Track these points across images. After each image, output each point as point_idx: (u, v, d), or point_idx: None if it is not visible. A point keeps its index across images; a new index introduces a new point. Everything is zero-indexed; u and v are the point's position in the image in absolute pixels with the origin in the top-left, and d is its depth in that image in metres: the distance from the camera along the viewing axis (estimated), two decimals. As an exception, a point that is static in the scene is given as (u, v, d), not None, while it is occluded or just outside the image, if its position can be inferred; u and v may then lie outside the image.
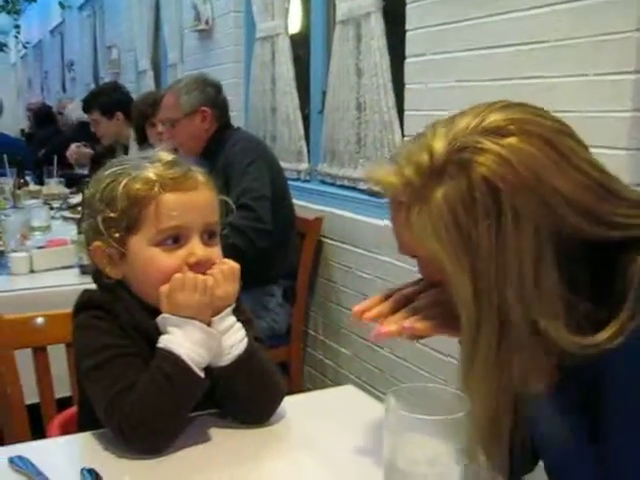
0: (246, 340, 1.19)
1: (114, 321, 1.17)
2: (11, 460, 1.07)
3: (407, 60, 2.58)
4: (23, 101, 13.13)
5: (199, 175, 1.21)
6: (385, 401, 0.92)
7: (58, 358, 1.66)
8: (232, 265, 1.19)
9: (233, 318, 1.19)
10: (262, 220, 2.72)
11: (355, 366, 3.04)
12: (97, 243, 1.20)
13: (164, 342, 1.13)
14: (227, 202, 1.25)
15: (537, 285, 0.84)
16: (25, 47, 13.01)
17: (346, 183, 3.18)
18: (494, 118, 0.88)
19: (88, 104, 4.36)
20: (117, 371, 1.13)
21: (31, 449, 1.14)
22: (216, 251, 1.20)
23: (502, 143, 0.86)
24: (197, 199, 1.18)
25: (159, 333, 1.14)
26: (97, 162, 4.55)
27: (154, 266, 1.16)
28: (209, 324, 1.14)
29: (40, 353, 1.63)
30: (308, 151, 3.54)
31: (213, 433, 1.18)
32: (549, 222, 0.84)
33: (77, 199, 3.95)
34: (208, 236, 1.20)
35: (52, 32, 11.29)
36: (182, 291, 1.13)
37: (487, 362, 0.87)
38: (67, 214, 3.61)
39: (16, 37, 12.97)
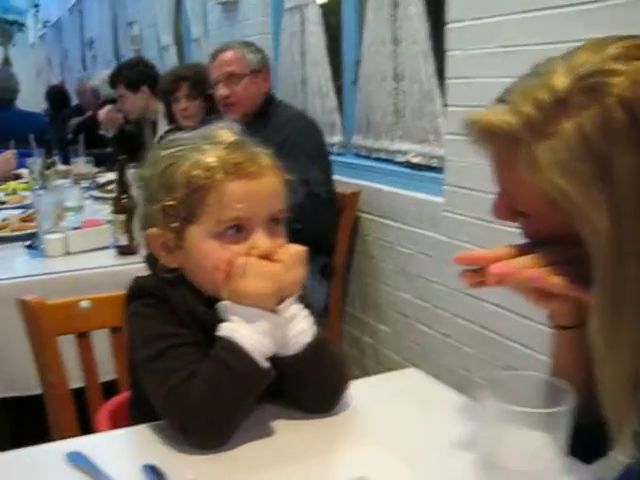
0: (313, 327, 1.12)
1: (169, 309, 1.10)
2: (68, 456, 1.01)
3: (448, 26, 2.47)
4: (43, 81, 13.10)
5: (264, 158, 1.11)
6: (479, 391, 0.84)
7: (100, 340, 1.60)
8: (300, 249, 1.10)
9: (299, 305, 1.11)
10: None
11: (394, 344, 2.97)
12: (152, 230, 1.12)
13: (225, 331, 1.05)
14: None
15: None
16: (45, 26, 12.94)
17: (382, 156, 3.09)
18: (616, 45, 0.83)
19: (114, 79, 4.28)
20: (175, 362, 1.05)
21: (87, 444, 1.07)
22: (281, 239, 1.11)
23: (635, 65, 0.80)
24: (262, 187, 1.08)
25: (217, 322, 1.07)
26: (123, 139, 4.54)
27: (211, 260, 1.07)
28: (274, 312, 1.06)
29: (84, 339, 1.57)
30: (341, 123, 3.45)
31: (278, 424, 1.11)
32: None
33: (106, 178, 3.89)
34: (273, 225, 1.11)
35: (71, 10, 11.21)
36: (245, 278, 1.05)
37: (637, 301, 0.79)
38: (97, 193, 3.54)
39: (35, 16, 12.91)
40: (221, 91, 2.99)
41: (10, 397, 2.15)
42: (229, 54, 3.01)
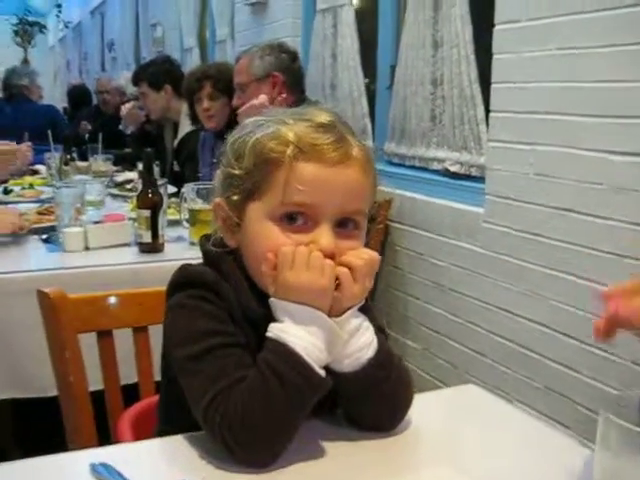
0: (376, 341, 0.98)
1: (220, 303, 0.96)
2: (93, 468, 0.88)
3: (496, 27, 2.35)
4: (61, 83, 13.08)
5: (354, 148, 0.96)
6: (600, 413, 0.70)
7: (122, 341, 1.47)
8: (373, 256, 0.96)
9: (361, 316, 0.97)
10: None
11: (424, 361, 2.82)
12: (217, 200, 1.00)
13: (275, 331, 0.92)
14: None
15: None
16: (67, 26, 12.92)
17: (417, 163, 2.96)
18: None
19: (137, 76, 4.17)
20: (221, 364, 0.92)
21: (114, 454, 0.94)
22: (351, 245, 0.96)
23: None
24: (339, 177, 0.94)
25: (269, 321, 0.94)
26: (142, 138, 4.42)
27: (265, 244, 0.94)
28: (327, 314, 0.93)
29: (106, 338, 1.44)
30: (373, 129, 3.32)
31: (331, 442, 0.97)
32: None
33: (124, 176, 3.78)
34: (345, 225, 0.96)
35: (92, 12, 11.18)
36: (291, 269, 0.91)
37: None
38: (115, 191, 3.44)
39: (57, 16, 12.91)
40: (233, 101, 2.94)
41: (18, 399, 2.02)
42: (240, 63, 2.94)
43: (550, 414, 2.20)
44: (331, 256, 0.93)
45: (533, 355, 2.28)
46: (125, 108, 4.59)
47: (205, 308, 0.95)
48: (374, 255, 0.96)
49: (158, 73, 4.07)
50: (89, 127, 5.73)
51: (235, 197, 0.97)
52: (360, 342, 0.96)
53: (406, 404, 1.02)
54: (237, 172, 0.96)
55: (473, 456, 0.96)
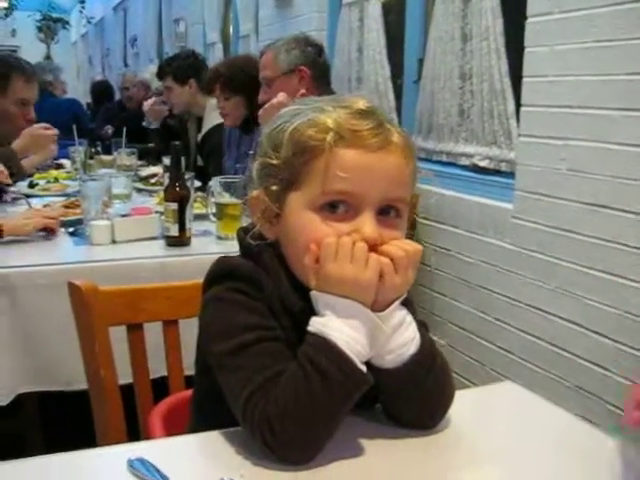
0: (418, 336, 0.95)
1: (259, 296, 0.94)
2: (131, 464, 0.86)
3: (529, 20, 2.31)
4: (83, 79, 13.14)
5: (394, 134, 0.94)
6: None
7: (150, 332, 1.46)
8: (416, 247, 0.93)
9: (404, 311, 0.95)
10: None
11: (450, 359, 2.76)
12: (255, 192, 0.97)
13: (316, 325, 0.90)
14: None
15: None
16: (89, 22, 12.97)
17: (444, 159, 2.93)
18: None
19: (162, 70, 4.16)
20: (260, 358, 0.90)
21: (150, 450, 0.92)
22: (394, 234, 0.93)
23: None
24: (381, 163, 0.91)
25: (309, 315, 0.91)
26: (165, 133, 4.42)
27: (306, 235, 0.92)
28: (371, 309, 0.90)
29: (136, 331, 1.43)
30: (399, 124, 3.28)
31: (370, 440, 0.95)
32: None
33: (148, 171, 3.77)
34: (387, 213, 0.93)
35: (115, 8, 11.21)
36: (335, 261, 0.89)
37: None
38: (140, 186, 3.43)
39: (80, 12, 12.96)
40: (259, 97, 2.89)
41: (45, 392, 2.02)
42: (265, 57, 2.89)
43: (581, 414, 2.16)
44: (375, 245, 0.90)
45: (564, 353, 2.24)
46: (147, 104, 4.58)
47: (243, 301, 0.93)
48: (417, 246, 0.93)
49: (183, 67, 4.06)
50: (110, 132, 5.72)
51: (274, 187, 0.95)
52: (403, 337, 0.93)
53: (447, 402, 0.99)
54: (275, 162, 0.94)
55: (514, 455, 0.94)
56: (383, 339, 0.91)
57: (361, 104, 0.94)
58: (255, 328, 0.92)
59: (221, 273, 0.97)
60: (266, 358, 0.90)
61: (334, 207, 0.92)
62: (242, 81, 3.18)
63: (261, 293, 0.94)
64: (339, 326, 0.89)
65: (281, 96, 2.61)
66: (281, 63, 2.79)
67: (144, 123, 4.67)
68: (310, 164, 0.92)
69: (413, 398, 0.96)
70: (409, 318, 0.95)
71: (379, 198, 0.92)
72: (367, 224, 0.91)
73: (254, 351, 0.90)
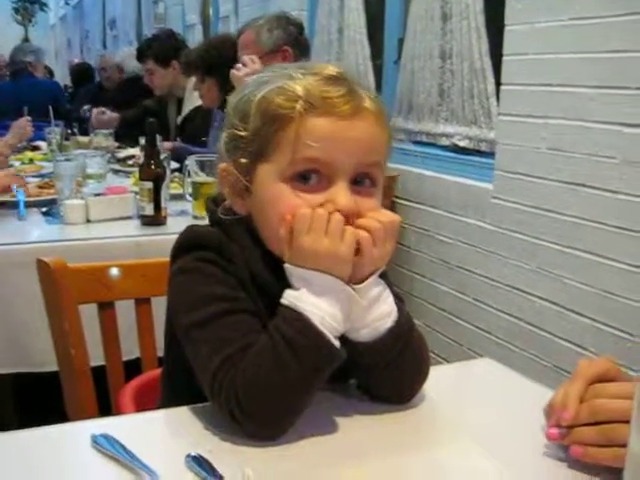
0: (395, 310, 0.93)
1: (228, 267, 0.91)
2: (95, 439, 0.83)
3: (509, -2, 2.29)
4: (62, 62, 13.00)
5: (366, 99, 0.90)
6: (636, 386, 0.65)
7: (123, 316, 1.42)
8: (394, 218, 0.90)
9: (382, 284, 0.92)
10: None
11: (429, 339, 2.75)
12: (223, 165, 0.94)
13: (290, 299, 0.87)
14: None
15: None
16: (67, 4, 12.81)
17: (424, 139, 2.91)
18: None
19: (142, 53, 4.11)
20: (229, 330, 0.87)
21: (116, 425, 0.90)
22: (370, 203, 0.90)
23: None
24: (353, 130, 0.88)
25: (284, 289, 0.88)
26: (144, 115, 4.34)
27: (278, 207, 0.88)
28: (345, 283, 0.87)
29: (107, 310, 1.40)
30: (379, 104, 3.26)
31: (344, 415, 0.92)
32: None
33: (125, 152, 3.72)
34: (361, 182, 0.90)
35: (94, -10, 11.09)
36: (309, 233, 0.86)
37: None
38: (117, 167, 3.38)
39: (58, -6, 12.81)
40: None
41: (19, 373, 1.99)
42: (244, 37, 2.84)
43: (559, 393, 2.16)
44: (351, 215, 0.87)
45: (542, 333, 2.24)
46: (93, 118, 4.46)
47: (212, 271, 0.90)
48: (394, 217, 0.91)
49: (165, 49, 4.01)
50: (88, 113, 5.63)
51: (243, 160, 0.91)
52: (380, 311, 0.91)
53: (423, 377, 0.97)
54: (243, 133, 0.91)
55: (490, 428, 0.92)
56: (359, 312, 0.89)
57: (331, 70, 0.91)
58: (224, 299, 0.89)
59: (189, 243, 0.94)
60: (235, 330, 0.87)
61: (306, 178, 0.89)
62: (216, 63, 3.13)
63: (231, 264, 0.91)
64: (314, 301, 0.86)
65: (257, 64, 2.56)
66: (264, 43, 2.75)
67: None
68: (279, 134, 0.88)
69: (388, 372, 0.93)
70: (387, 292, 0.93)
71: (352, 166, 0.89)
72: (341, 194, 0.88)
73: (223, 323, 0.87)
